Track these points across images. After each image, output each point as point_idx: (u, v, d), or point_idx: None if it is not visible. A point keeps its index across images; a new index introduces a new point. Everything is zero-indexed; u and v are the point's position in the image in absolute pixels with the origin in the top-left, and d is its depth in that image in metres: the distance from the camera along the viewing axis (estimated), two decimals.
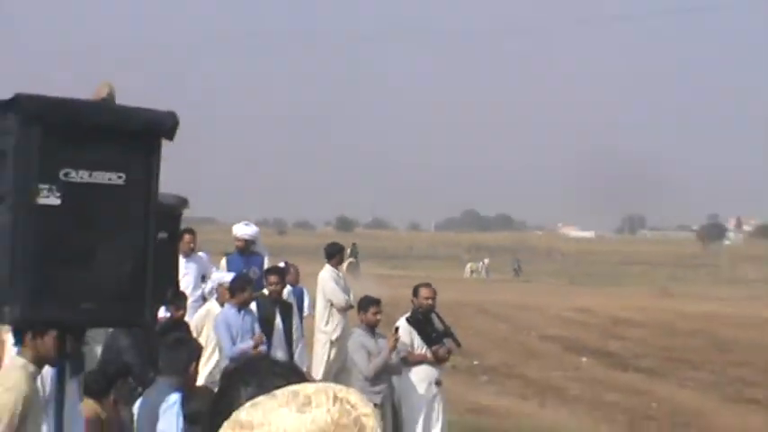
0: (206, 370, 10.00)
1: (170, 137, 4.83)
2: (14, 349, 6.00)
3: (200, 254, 12.89)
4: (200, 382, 8.31)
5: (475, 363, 19.86)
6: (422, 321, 10.23)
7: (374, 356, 9.78)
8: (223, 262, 12.82)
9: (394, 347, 9.80)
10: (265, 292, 11.10)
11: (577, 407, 15.63)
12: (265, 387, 2.15)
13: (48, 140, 4.52)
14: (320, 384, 1.52)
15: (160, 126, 4.81)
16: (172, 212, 7.31)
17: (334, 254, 13.73)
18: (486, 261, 67.94)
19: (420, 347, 10.18)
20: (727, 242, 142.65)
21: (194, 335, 9.58)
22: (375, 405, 1.55)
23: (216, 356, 10.41)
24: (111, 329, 8.25)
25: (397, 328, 10.06)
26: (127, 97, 5.14)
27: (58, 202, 4.52)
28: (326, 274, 13.42)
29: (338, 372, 12.71)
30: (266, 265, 12.59)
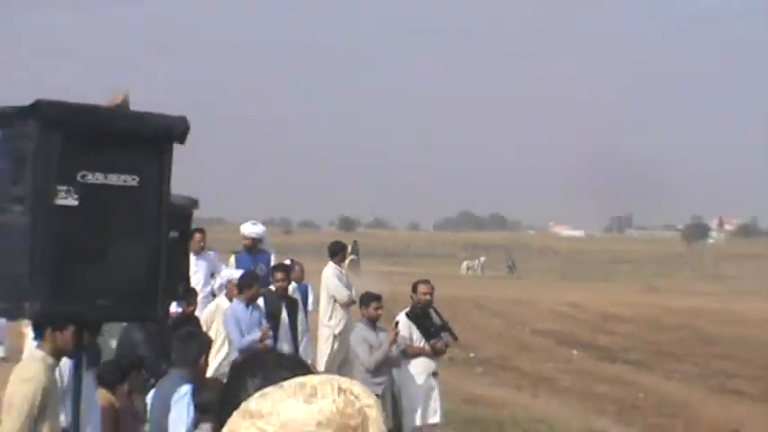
0: (215, 362, 10.00)
1: (181, 141, 4.84)
2: (34, 343, 6.00)
3: (209, 252, 12.90)
4: (209, 373, 8.31)
5: (471, 355, 19.84)
6: (420, 316, 10.23)
7: (375, 349, 9.78)
8: (232, 259, 12.81)
9: (394, 341, 9.81)
10: (272, 288, 11.10)
11: (568, 397, 15.63)
12: (272, 379, 2.15)
13: (67, 145, 4.53)
14: (325, 376, 1.53)
15: (172, 131, 4.82)
16: (183, 213, 7.32)
17: (337, 252, 13.73)
18: (483, 259, 67.90)
19: (419, 341, 10.18)
20: (710, 241, 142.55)
21: (204, 329, 9.57)
22: (376, 396, 1.56)
23: (225, 349, 10.41)
24: (125, 324, 8.25)
25: (396, 323, 10.07)
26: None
27: (75, 203, 4.53)
28: (330, 271, 13.41)
29: (341, 364, 12.70)
30: (273, 262, 12.59)
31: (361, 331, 10.00)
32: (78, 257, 4.58)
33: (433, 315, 10.34)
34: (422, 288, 10.36)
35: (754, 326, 28.05)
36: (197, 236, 11.91)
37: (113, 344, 8.52)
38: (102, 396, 6.92)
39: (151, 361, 8.15)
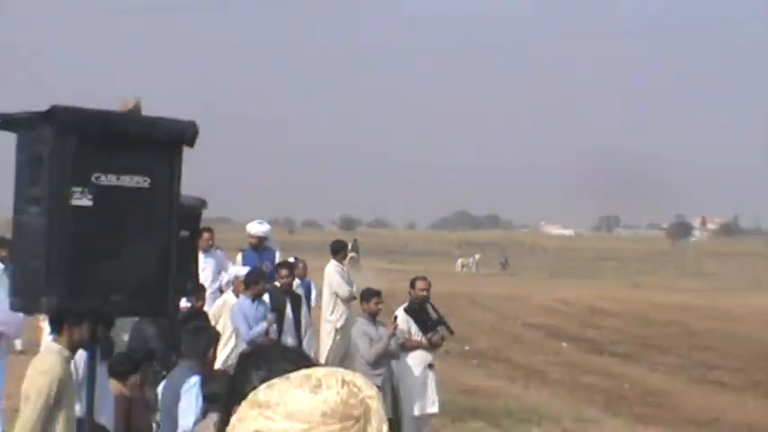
0: (223, 355, 10.00)
1: (191, 144, 4.84)
2: (50, 336, 6.01)
3: (217, 250, 12.90)
4: (217, 365, 8.31)
5: (466, 348, 19.85)
6: (418, 311, 10.23)
7: (375, 343, 9.78)
8: (239, 257, 12.82)
9: (393, 334, 9.80)
10: (277, 284, 11.11)
11: (558, 388, 15.63)
12: (275, 371, 2.15)
13: (81, 148, 4.54)
14: (329, 369, 1.53)
15: (182, 135, 4.83)
16: (192, 213, 7.33)
17: (338, 250, 13.73)
18: (477, 257, 67.93)
19: (416, 334, 10.17)
20: (693, 239, 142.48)
21: (212, 323, 9.57)
22: (377, 387, 1.56)
23: (232, 342, 10.41)
24: (137, 318, 8.25)
25: (395, 317, 10.07)
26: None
27: (90, 203, 4.54)
28: (332, 268, 13.41)
29: (343, 357, 12.69)
30: (278, 259, 12.60)
31: (361, 325, 10.00)
32: (92, 255, 4.58)
33: (430, 310, 10.34)
34: (419, 284, 10.37)
35: (739, 321, 28.11)
36: (205, 234, 11.92)
37: (125, 337, 8.52)
38: (115, 386, 6.92)
39: (162, 353, 8.15)
